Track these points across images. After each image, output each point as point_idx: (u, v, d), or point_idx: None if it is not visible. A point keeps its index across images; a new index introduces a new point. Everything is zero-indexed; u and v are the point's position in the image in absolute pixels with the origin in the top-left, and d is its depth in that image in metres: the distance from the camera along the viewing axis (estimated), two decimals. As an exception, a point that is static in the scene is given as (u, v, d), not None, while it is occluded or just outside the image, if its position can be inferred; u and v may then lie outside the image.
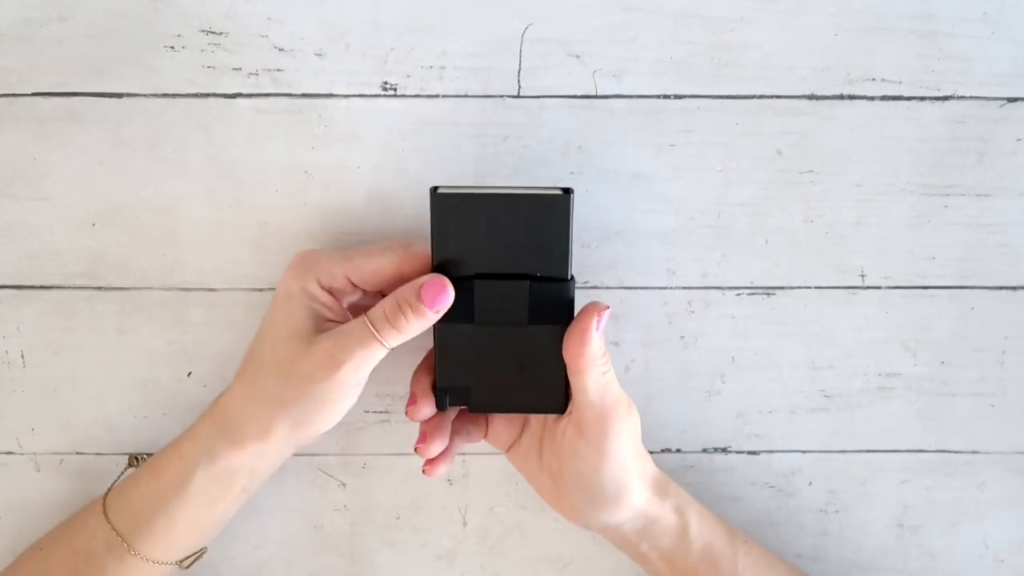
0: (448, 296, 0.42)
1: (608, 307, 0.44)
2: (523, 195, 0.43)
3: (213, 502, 0.46)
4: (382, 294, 0.46)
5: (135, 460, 0.51)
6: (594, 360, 0.43)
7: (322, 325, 0.44)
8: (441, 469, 0.47)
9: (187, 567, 0.48)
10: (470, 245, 0.43)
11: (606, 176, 0.49)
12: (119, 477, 0.50)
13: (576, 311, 0.44)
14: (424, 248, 0.44)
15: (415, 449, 0.47)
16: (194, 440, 0.46)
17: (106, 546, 0.46)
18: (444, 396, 0.46)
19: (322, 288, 0.45)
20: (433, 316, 0.43)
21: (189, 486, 0.45)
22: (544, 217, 0.43)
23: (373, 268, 0.44)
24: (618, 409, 0.45)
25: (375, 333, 0.42)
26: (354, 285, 0.45)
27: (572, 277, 0.44)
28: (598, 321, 0.43)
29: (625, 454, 0.45)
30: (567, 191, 0.43)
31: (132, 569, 0.46)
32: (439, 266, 0.44)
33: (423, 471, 0.47)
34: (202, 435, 0.46)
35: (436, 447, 0.47)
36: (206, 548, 0.49)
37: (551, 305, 0.44)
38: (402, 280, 0.44)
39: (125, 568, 0.46)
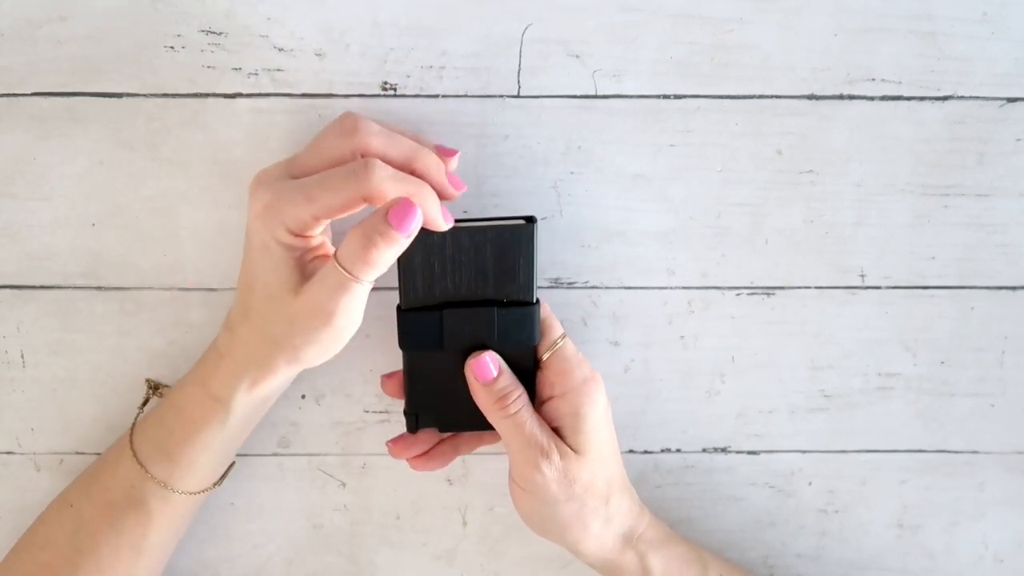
0: (417, 215, 0.40)
1: (479, 357, 0.45)
2: (488, 227, 0.43)
3: (249, 427, 0.48)
4: None
5: (153, 388, 0.51)
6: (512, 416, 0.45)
7: (305, 268, 0.43)
8: (429, 465, 0.49)
9: (220, 484, 0.50)
10: (436, 277, 0.44)
11: (606, 176, 0.49)
12: (139, 413, 0.50)
13: (550, 328, 0.46)
14: (377, 166, 0.40)
15: (388, 449, 0.49)
16: (223, 379, 0.45)
17: (147, 492, 0.47)
18: (414, 419, 0.47)
19: (293, 235, 0.42)
20: (405, 240, 0.41)
21: (230, 423, 0.46)
22: (509, 247, 0.44)
23: (342, 204, 0.41)
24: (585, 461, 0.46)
25: (349, 275, 0.41)
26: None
27: (538, 300, 0.45)
28: (478, 376, 0.45)
29: (584, 502, 0.46)
30: (530, 219, 0.43)
31: (176, 505, 0.47)
32: (405, 297, 0.45)
33: (412, 466, 0.49)
34: (229, 375, 0.45)
35: (411, 451, 0.49)
36: (235, 461, 0.51)
37: (518, 328, 0.45)
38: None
39: (169, 506, 0.47)
